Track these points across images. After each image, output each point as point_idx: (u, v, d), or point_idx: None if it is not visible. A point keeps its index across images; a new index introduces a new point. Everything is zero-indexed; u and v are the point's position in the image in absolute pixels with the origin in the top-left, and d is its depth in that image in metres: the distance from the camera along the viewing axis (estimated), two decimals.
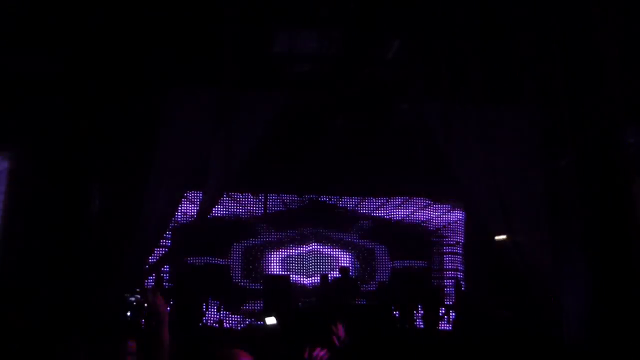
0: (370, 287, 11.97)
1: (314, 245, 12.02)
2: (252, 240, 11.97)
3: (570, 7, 7.40)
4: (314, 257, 11.98)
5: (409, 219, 12.39)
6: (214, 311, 10.80)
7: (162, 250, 9.86)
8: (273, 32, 8.63)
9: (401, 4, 7.54)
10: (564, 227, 8.89)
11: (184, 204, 10.73)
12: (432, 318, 10.09)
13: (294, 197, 12.02)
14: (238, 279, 11.76)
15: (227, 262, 11.80)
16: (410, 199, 12.37)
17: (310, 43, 8.87)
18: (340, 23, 7.07)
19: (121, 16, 7.66)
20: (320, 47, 8.91)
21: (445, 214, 12.49)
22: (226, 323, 10.86)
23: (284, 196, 12.10)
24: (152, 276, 10.22)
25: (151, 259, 9.48)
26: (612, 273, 6.98)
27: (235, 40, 7.74)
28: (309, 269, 11.86)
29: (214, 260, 11.77)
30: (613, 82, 6.70)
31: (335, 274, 11.27)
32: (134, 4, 7.69)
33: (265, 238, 11.99)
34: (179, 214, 10.69)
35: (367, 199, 12.36)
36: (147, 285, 9.58)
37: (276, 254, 11.95)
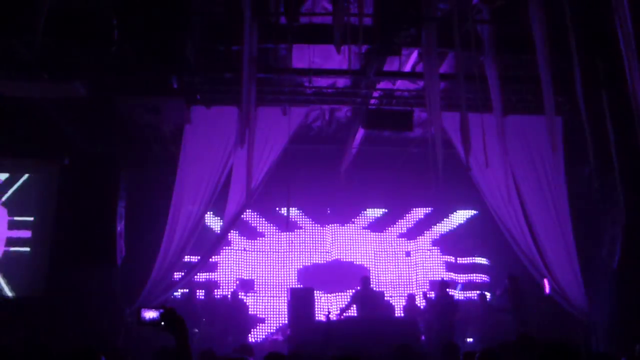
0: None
1: None
2: None
3: (592, 16, 7.33)
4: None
5: None
6: None
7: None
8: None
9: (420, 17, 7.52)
10: (589, 241, 8.80)
11: None
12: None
13: None
14: None
15: None
16: None
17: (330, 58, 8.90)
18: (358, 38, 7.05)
19: (142, 39, 7.76)
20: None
21: None
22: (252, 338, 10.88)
23: None
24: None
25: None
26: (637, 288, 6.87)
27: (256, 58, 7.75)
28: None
29: None
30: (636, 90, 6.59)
31: None
32: (154, 25, 7.78)
33: None
34: None
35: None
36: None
37: None
